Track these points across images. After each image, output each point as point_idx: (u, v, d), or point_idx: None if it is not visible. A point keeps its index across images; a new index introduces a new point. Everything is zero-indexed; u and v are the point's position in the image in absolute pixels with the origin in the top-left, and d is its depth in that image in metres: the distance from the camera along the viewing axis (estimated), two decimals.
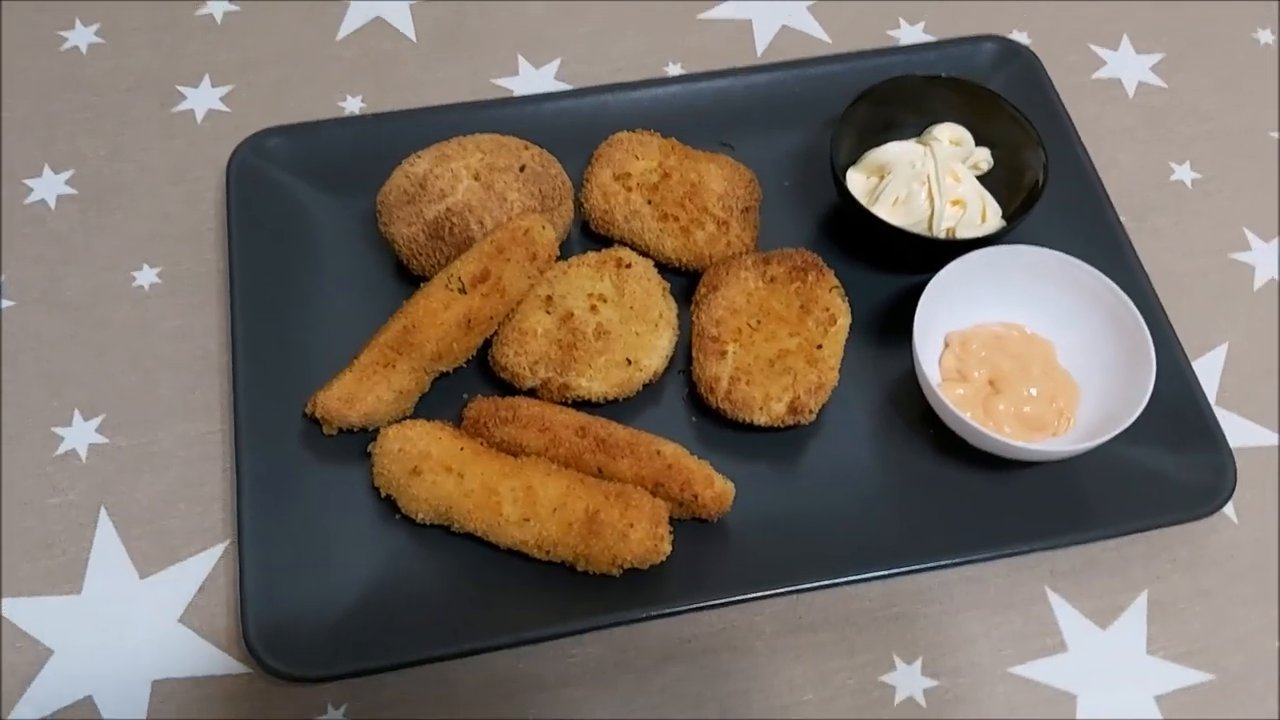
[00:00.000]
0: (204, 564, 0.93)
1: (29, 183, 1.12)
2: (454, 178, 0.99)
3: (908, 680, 0.89)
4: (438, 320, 0.92)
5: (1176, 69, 1.24)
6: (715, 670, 0.89)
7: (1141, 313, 0.95)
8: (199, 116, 1.17)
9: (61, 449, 0.97)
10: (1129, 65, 1.24)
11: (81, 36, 1.23)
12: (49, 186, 1.12)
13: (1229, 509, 0.96)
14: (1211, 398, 1.00)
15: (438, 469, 0.88)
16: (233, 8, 1.26)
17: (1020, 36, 1.25)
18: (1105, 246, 1.04)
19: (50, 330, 1.03)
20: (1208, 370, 1.03)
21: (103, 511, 0.95)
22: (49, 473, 0.96)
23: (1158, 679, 0.89)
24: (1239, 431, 1.00)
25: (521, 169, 1.00)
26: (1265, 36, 1.27)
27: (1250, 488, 0.97)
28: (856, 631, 0.91)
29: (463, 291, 0.93)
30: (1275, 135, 1.19)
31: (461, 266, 0.94)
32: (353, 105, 1.18)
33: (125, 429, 0.99)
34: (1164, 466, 0.94)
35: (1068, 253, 0.98)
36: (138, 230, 1.09)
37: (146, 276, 1.07)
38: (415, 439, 0.89)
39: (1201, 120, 1.20)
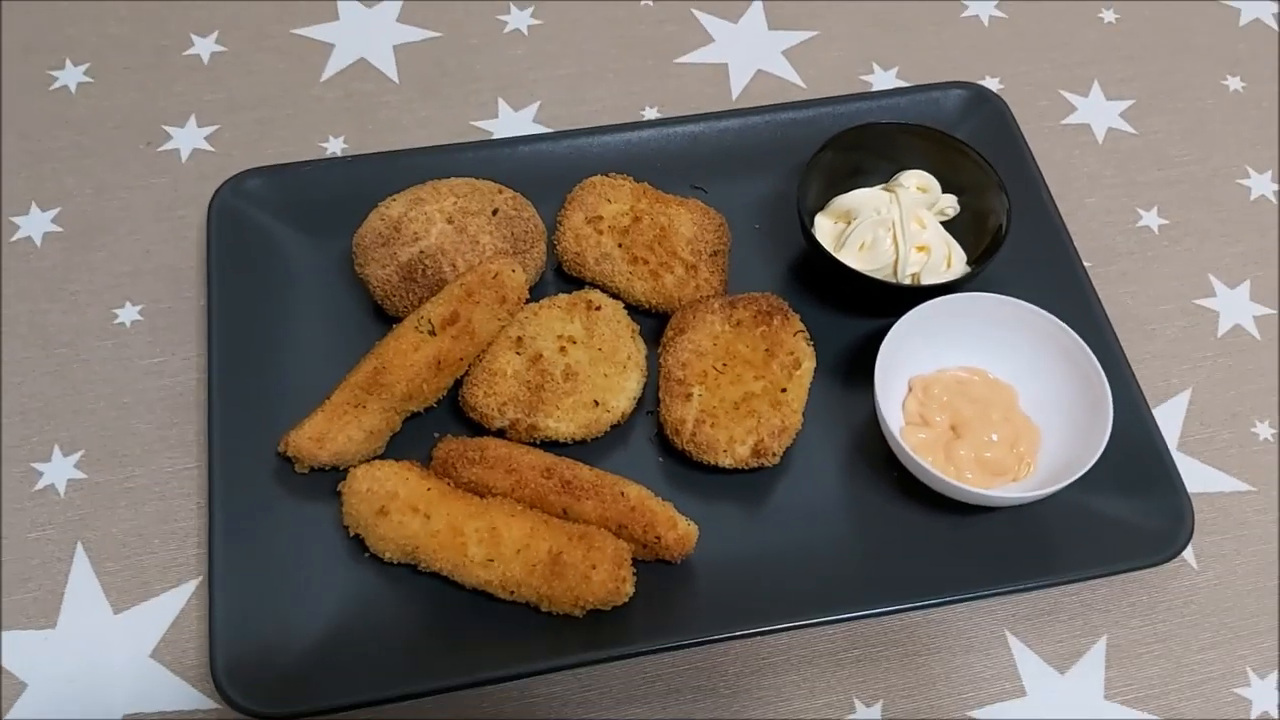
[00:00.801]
0: (177, 600, 0.94)
1: (16, 220, 1.14)
2: (427, 221, 1.01)
3: None
4: (408, 361, 0.94)
5: (1146, 115, 1.26)
6: (678, 711, 0.90)
7: (1103, 358, 0.96)
8: (184, 155, 1.19)
9: (40, 484, 0.99)
10: (1099, 111, 1.26)
11: (71, 76, 1.25)
12: (35, 224, 1.14)
13: (1189, 554, 0.97)
14: (1173, 443, 1.02)
15: (404, 509, 0.90)
16: (219, 49, 1.28)
17: (992, 83, 1.27)
18: (1069, 291, 1.06)
19: (32, 366, 1.05)
20: (1170, 416, 1.04)
21: (79, 546, 0.96)
22: (27, 508, 0.98)
23: None
24: (1201, 477, 1.01)
25: (494, 213, 1.02)
26: (1234, 84, 1.29)
27: (1211, 533, 0.98)
28: (818, 673, 0.92)
29: (432, 333, 0.94)
30: (1242, 182, 1.21)
31: (432, 309, 0.95)
32: (335, 146, 1.20)
33: (103, 465, 1.00)
34: (1123, 512, 0.95)
35: (1033, 297, 0.99)
36: (121, 268, 1.11)
37: (128, 314, 1.08)
38: (383, 479, 0.91)
39: (1170, 166, 1.22)
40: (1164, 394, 1.06)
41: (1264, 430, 1.04)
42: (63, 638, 0.92)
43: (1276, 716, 0.91)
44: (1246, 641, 0.94)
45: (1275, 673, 0.92)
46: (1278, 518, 0.99)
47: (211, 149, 1.20)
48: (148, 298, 1.10)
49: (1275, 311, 1.11)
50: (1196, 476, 1.01)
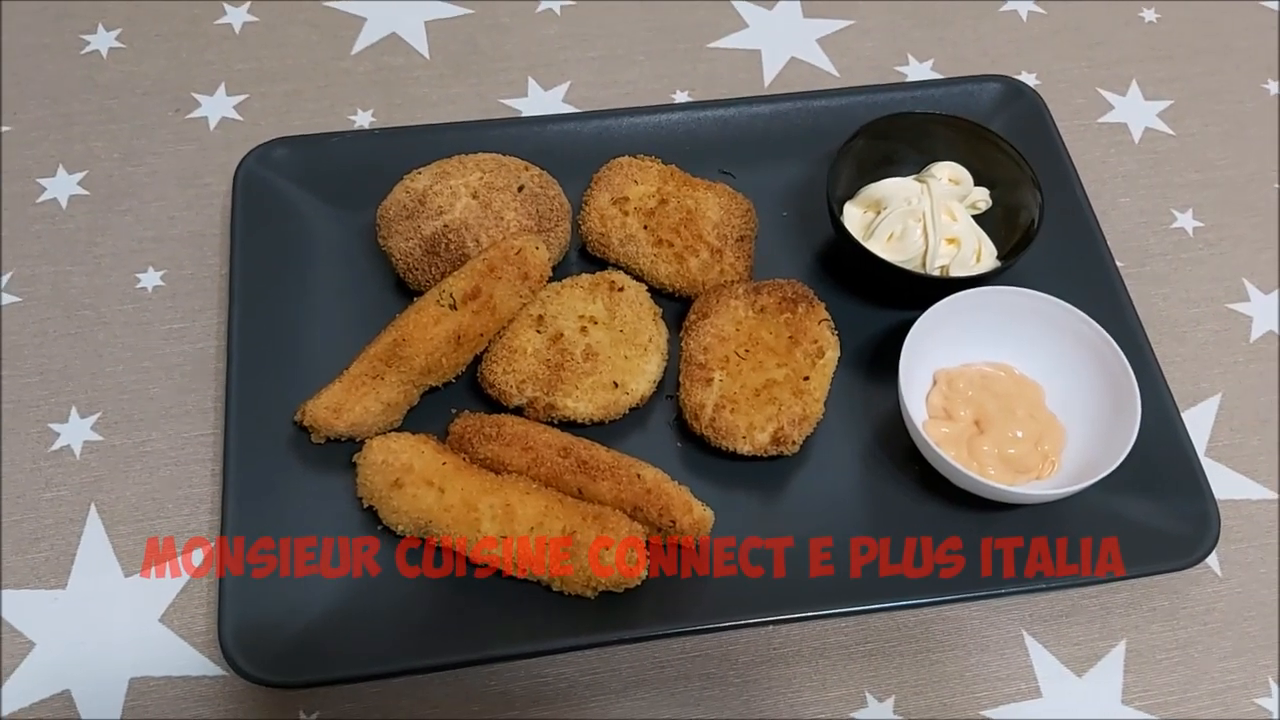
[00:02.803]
0: (187, 565, 0.94)
1: (42, 182, 1.14)
2: (452, 195, 1.01)
3: (879, 718, 0.88)
4: (427, 335, 0.93)
5: (1184, 117, 1.24)
6: (686, 698, 0.89)
7: (1133, 360, 0.94)
8: (212, 124, 1.19)
9: (56, 445, 0.99)
10: (1136, 111, 1.24)
11: (103, 41, 1.25)
12: (62, 186, 1.14)
13: (1213, 561, 0.95)
14: (1201, 448, 1.00)
15: (419, 482, 0.89)
16: (251, 18, 1.28)
17: (1029, 78, 1.25)
18: (1101, 291, 1.04)
19: (53, 328, 1.05)
20: (1199, 420, 1.02)
21: (92, 508, 0.96)
22: (43, 468, 0.98)
23: None
24: (1228, 484, 0.99)
25: (520, 189, 1.02)
26: (1275, 88, 1.26)
27: (1237, 541, 0.97)
28: (830, 666, 0.90)
29: (453, 308, 0.94)
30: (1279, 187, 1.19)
31: (453, 283, 0.95)
32: (363, 119, 1.20)
33: (120, 428, 1.00)
34: (1148, 515, 0.93)
35: (1063, 295, 0.98)
36: (145, 233, 1.11)
37: (150, 279, 1.08)
38: (398, 451, 0.90)
39: (1206, 169, 1.20)
40: (1194, 398, 1.04)
41: None
42: (73, 599, 0.92)
43: None
44: (1269, 651, 0.92)
45: None
46: None
47: (240, 118, 1.20)
48: (171, 263, 1.09)
49: None
50: (1224, 482, 0.99)
